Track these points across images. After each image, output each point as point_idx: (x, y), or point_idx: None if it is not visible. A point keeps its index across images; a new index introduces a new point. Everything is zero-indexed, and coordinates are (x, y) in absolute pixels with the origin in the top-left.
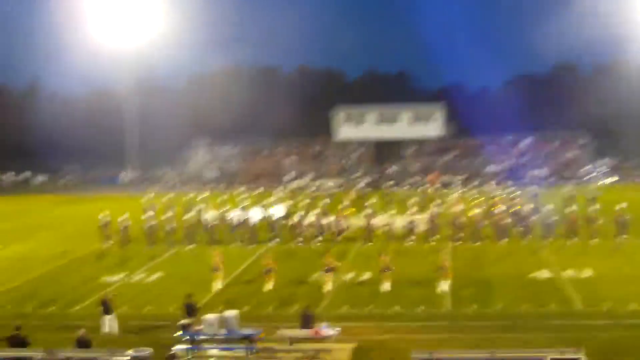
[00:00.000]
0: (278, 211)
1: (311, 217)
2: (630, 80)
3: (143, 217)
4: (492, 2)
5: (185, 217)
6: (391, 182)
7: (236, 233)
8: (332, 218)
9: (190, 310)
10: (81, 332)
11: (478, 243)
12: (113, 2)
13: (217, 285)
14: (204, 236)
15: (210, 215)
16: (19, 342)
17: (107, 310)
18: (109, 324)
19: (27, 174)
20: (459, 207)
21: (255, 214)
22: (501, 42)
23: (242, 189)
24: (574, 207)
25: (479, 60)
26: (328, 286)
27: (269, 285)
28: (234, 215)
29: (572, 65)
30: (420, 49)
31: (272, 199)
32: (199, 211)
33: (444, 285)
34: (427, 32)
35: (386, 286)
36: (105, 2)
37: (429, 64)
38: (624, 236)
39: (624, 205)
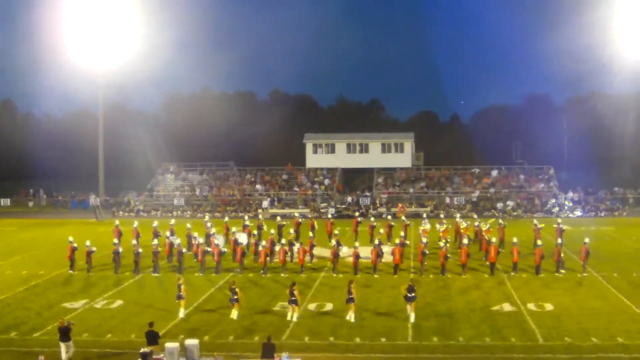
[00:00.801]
0: (243, 239)
1: (277, 246)
2: (596, 115)
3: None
4: (464, 34)
5: (153, 243)
6: (358, 212)
7: (198, 258)
8: (297, 247)
9: (151, 338)
10: (40, 358)
11: (443, 275)
12: (88, 24)
13: (182, 312)
14: (170, 262)
15: (177, 241)
16: None
17: (65, 337)
18: (67, 350)
19: None
20: (424, 239)
21: (221, 242)
22: (475, 73)
23: (208, 216)
24: (539, 241)
25: (452, 89)
26: (290, 316)
27: (234, 314)
28: (200, 242)
29: (543, 97)
30: (392, 78)
31: (238, 227)
32: (166, 237)
33: (411, 316)
34: (400, 62)
35: (350, 316)
36: (80, 24)
37: (400, 93)
38: (586, 271)
39: (586, 240)
